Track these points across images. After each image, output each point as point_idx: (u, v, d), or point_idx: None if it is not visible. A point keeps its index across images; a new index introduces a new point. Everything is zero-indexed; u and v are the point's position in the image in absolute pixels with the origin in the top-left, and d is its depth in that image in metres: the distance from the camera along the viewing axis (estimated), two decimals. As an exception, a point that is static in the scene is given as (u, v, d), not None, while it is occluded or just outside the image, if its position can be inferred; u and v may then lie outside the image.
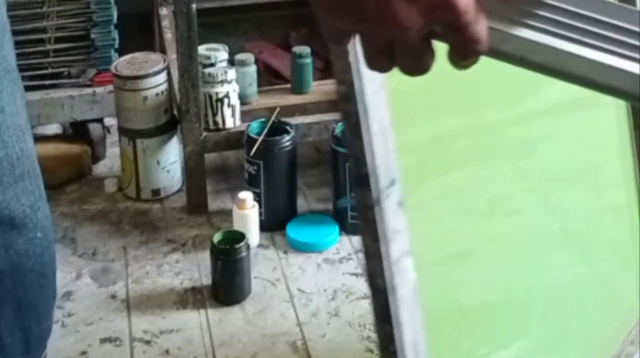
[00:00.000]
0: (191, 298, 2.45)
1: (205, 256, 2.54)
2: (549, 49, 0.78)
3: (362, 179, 1.11)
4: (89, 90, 2.96)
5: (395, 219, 1.12)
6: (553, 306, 1.46)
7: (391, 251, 1.11)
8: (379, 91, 1.11)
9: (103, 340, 2.28)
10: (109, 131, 3.20)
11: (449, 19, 0.71)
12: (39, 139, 3.07)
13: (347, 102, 1.11)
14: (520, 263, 1.41)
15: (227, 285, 2.41)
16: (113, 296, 2.46)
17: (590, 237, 1.58)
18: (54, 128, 3.13)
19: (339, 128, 2.66)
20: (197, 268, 2.56)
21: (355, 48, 1.05)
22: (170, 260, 2.61)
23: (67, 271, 2.56)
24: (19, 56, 2.91)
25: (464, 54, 0.74)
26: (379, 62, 0.76)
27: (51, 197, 2.92)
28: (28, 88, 2.93)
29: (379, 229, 1.11)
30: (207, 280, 2.49)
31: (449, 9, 0.70)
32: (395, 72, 0.79)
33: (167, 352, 2.24)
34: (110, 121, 3.17)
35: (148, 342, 2.28)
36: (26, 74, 2.95)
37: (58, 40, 2.94)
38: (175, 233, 2.74)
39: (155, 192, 2.90)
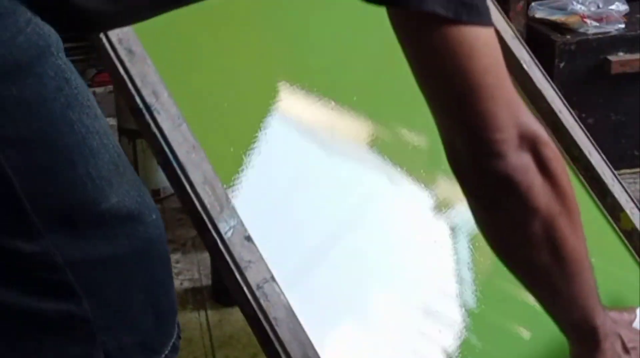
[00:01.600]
0: (191, 298, 2.45)
1: (205, 257, 2.54)
2: None
3: (198, 224, 1.28)
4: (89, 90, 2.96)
5: (245, 252, 1.25)
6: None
7: (249, 280, 1.24)
8: (193, 150, 1.30)
9: (103, 341, 2.28)
10: (108, 132, 3.19)
11: None
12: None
13: (166, 168, 1.30)
14: None
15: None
16: (113, 297, 2.45)
17: None
18: (53, 128, 3.12)
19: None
20: (197, 269, 2.56)
21: (156, 121, 1.29)
22: (170, 260, 2.61)
23: (67, 271, 2.56)
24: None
25: None
26: None
27: (51, 197, 2.93)
28: (28, 88, 2.94)
29: (229, 262, 1.24)
30: (207, 281, 2.49)
31: None
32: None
33: (167, 352, 2.24)
34: (110, 121, 3.16)
35: (148, 343, 2.27)
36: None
37: (58, 40, 2.94)
38: (175, 233, 2.74)
39: (155, 192, 2.90)
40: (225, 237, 1.25)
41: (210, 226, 1.26)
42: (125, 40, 1.32)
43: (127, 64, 1.31)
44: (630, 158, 3.02)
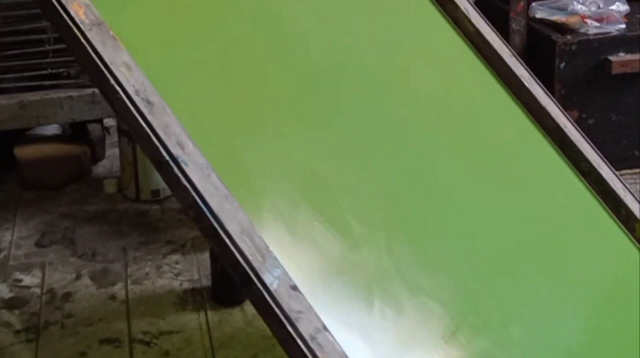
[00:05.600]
0: (191, 299, 2.44)
1: (205, 257, 2.53)
2: None
3: (243, 278, 1.23)
4: (89, 91, 2.96)
5: (293, 302, 1.22)
6: None
7: (302, 331, 1.20)
8: (226, 200, 1.25)
9: (102, 341, 2.28)
10: (108, 132, 3.19)
11: None
12: (38, 139, 3.07)
13: (200, 221, 1.25)
14: None
15: (227, 286, 2.41)
16: (112, 297, 2.45)
17: None
18: (53, 129, 3.12)
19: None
20: (196, 269, 2.56)
21: (185, 173, 1.24)
22: (170, 261, 2.61)
23: (67, 272, 2.56)
24: (18, 56, 2.92)
25: None
26: None
27: (50, 198, 2.92)
28: (27, 89, 2.94)
29: (279, 314, 1.21)
30: (206, 281, 2.48)
31: None
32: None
33: (166, 353, 2.24)
34: (110, 122, 3.17)
35: (147, 343, 2.27)
36: (25, 74, 2.95)
37: (57, 40, 2.94)
38: (175, 234, 2.74)
39: (155, 193, 2.89)
40: (272, 289, 1.21)
41: (255, 279, 1.22)
42: (142, 91, 1.28)
43: (148, 116, 1.27)
44: (631, 158, 3.01)
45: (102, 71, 1.29)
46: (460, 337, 1.35)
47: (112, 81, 1.28)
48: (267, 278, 1.21)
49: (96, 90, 2.95)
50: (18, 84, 2.94)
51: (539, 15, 2.99)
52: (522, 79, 1.77)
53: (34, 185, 2.97)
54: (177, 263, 2.60)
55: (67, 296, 2.45)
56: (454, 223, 1.48)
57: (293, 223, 1.33)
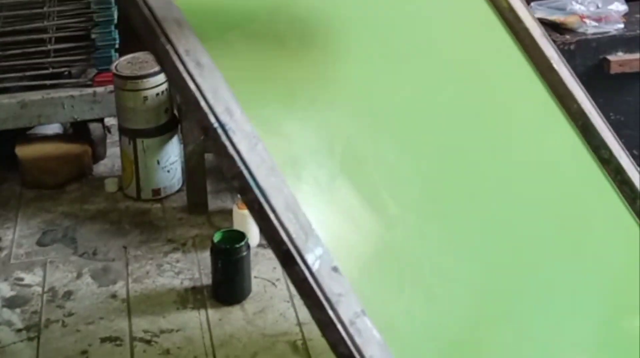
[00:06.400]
0: (191, 297, 2.45)
1: (205, 256, 2.54)
2: None
3: (285, 257, 1.18)
4: (90, 90, 2.97)
5: (334, 284, 1.17)
6: None
7: (342, 315, 1.16)
8: (272, 173, 1.19)
9: (103, 340, 2.29)
10: (109, 131, 3.20)
11: None
12: (39, 139, 3.08)
13: (244, 193, 1.19)
14: None
15: (228, 284, 2.42)
16: (113, 296, 2.46)
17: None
18: (54, 128, 3.13)
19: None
20: (197, 268, 2.57)
21: (233, 142, 1.17)
22: (171, 260, 2.61)
23: (68, 270, 2.56)
24: (19, 56, 2.93)
25: None
26: None
27: (52, 197, 2.93)
28: (29, 88, 2.95)
29: (320, 297, 1.17)
30: (207, 280, 2.49)
31: None
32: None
33: (167, 351, 2.25)
34: (111, 121, 3.17)
35: (148, 342, 2.28)
36: (27, 74, 2.96)
37: (59, 40, 2.95)
38: (176, 232, 2.74)
39: (156, 192, 2.90)
40: (314, 269, 1.17)
41: (298, 258, 1.18)
42: (192, 51, 1.21)
43: (197, 79, 1.20)
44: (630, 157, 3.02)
45: (152, 28, 1.22)
46: (483, 327, 1.34)
47: (163, 39, 1.21)
48: (310, 258, 1.17)
49: (97, 89, 2.97)
50: (19, 84, 2.95)
51: (537, 14, 2.98)
52: (551, 61, 1.74)
53: (35, 184, 2.98)
54: (177, 261, 2.61)
55: (68, 294, 2.46)
56: (480, 206, 1.48)
57: (332, 199, 1.29)
